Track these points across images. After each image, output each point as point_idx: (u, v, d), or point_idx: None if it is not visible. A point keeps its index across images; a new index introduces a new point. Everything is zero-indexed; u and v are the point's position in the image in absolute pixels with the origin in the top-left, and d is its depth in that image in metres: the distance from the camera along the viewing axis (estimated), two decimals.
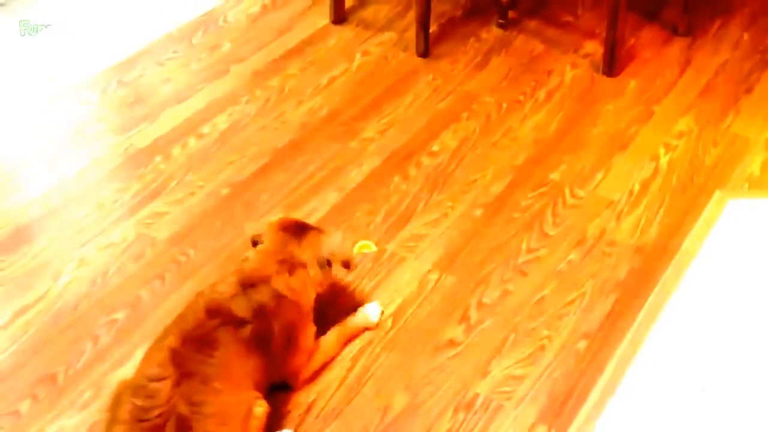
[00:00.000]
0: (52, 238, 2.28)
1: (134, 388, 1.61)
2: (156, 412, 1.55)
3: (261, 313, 1.76)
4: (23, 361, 1.96)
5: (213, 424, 1.59)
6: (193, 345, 1.66)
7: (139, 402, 1.57)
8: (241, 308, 1.74)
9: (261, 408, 1.71)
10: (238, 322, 1.72)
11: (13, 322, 2.05)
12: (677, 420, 1.83)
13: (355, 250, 2.10)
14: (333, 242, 1.94)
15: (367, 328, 2.02)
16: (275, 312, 1.78)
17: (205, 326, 1.70)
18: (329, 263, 1.92)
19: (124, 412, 1.57)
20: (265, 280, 1.81)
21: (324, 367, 1.93)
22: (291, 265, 1.85)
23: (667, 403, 1.86)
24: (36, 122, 2.70)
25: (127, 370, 1.91)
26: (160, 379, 1.59)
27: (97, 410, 1.84)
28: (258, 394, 1.73)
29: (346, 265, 1.96)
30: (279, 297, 1.80)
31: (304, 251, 1.88)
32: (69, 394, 1.89)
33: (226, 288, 1.78)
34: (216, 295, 1.77)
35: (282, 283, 1.82)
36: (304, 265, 1.87)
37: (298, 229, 1.92)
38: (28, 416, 1.85)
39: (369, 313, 2.03)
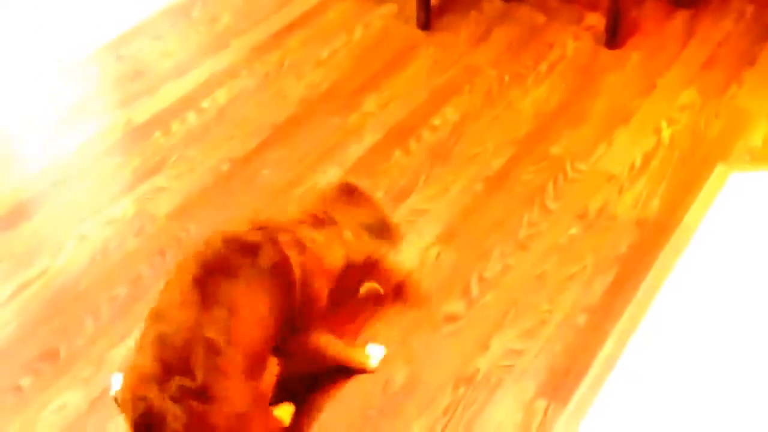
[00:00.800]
0: (52, 214, 2.27)
1: (157, 314, 1.57)
2: (182, 336, 1.51)
3: (277, 245, 1.69)
4: (24, 337, 1.97)
5: (240, 354, 1.54)
6: (214, 273, 1.60)
7: (163, 328, 1.53)
8: (257, 237, 1.68)
9: (275, 364, 1.68)
10: (256, 251, 1.65)
11: (13, 297, 2.05)
12: (677, 394, 1.83)
13: (362, 290, 2.03)
14: (380, 214, 1.89)
15: (363, 370, 1.88)
16: (297, 253, 1.71)
17: (224, 256, 1.64)
18: (373, 233, 1.86)
19: (149, 338, 1.53)
20: (287, 228, 1.75)
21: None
22: (320, 220, 1.80)
23: (666, 377, 1.86)
24: (35, 98, 2.68)
25: (129, 345, 1.92)
26: (184, 305, 1.55)
27: (98, 385, 1.85)
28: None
29: (389, 237, 1.89)
30: (299, 243, 1.73)
31: (344, 213, 1.84)
32: (70, 370, 1.89)
33: (244, 226, 1.74)
34: (234, 229, 1.73)
35: (304, 231, 1.76)
36: (336, 224, 1.81)
37: (346, 192, 1.89)
38: (30, 391, 1.85)
39: (371, 354, 1.90)
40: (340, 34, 2.91)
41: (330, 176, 2.37)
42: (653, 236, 2.19)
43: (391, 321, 1.99)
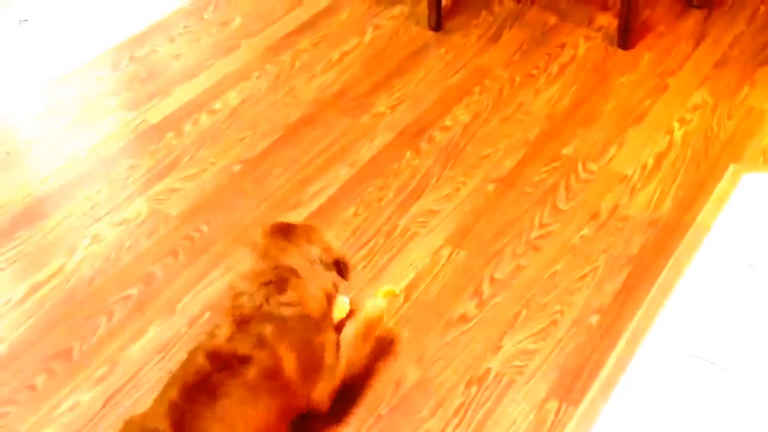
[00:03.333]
0: (66, 215, 2.29)
1: (130, 421, 1.56)
2: None
3: (263, 344, 1.61)
4: (38, 337, 1.98)
5: None
6: (192, 396, 1.53)
7: None
8: (241, 346, 1.60)
9: None
10: (240, 362, 1.58)
11: (28, 297, 2.06)
12: (689, 396, 1.83)
13: (380, 294, 1.90)
14: (325, 239, 1.80)
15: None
16: (280, 338, 1.62)
17: (205, 373, 1.56)
18: (328, 267, 1.77)
19: None
20: (259, 308, 1.65)
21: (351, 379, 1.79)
22: (280, 280, 1.69)
23: (679, 378, 1.86)
24: (48, 99, 2.70)
25: (142, 345, 1.93)
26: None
27: (111, 385, 1.86)
28: None
29: (340, 265, 1.80)
30: (280, 320, 1.64)
31: (292, 256, 1.73)
32: (84, 369, 1.90)
33: (223, 330, 1.63)
34: (215, 339, 1.62)
35: (275, 304, 1.66)
36: (295, 273, 1.70)
37: (283, 234, 1.77)
38: (44, 390, 1.86)
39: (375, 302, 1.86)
40: (351, 36, 2.91)
41: (342, 176, 2.38)
42: (665, 237, 2.18)
43: (403, 321, 1.99)
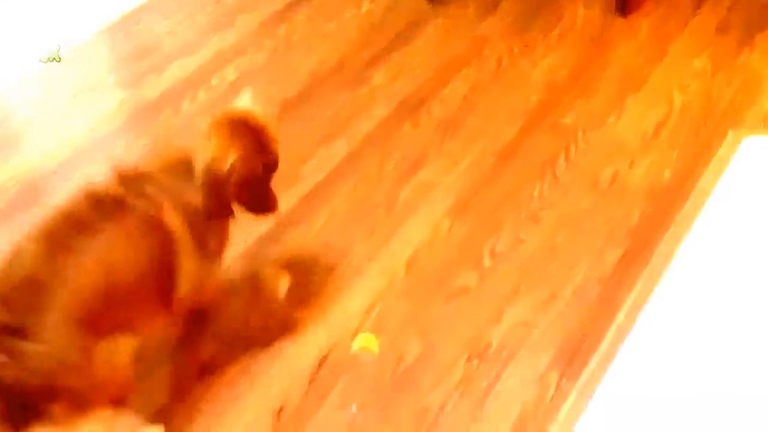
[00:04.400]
0: (64, 195, 2.27)
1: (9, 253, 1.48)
2: (20, 275, 1.44)
3: (147, 196, 1.55)
4: None
5: (80, 303, 1.44)
6: (70, 226, 1.50)
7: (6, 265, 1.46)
8: (127, 194, 1.55)
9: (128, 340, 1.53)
10: (121, 207, 1.53)
11: None
12: (690, 365, 1.83)
13: (355, 345, 1.87)
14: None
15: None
16: (167, 197, 1.56)
17: (85, 212, 1.53)
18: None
19: None
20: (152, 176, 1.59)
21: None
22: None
23: (680, 347, 1.86)
24: (44, 77, 2.68)
25: None
26: (33, 252, 1.46)
27: None
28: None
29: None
30: (175, 190, 1.58)
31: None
32: None
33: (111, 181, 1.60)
34: (97, 185, 1.59)
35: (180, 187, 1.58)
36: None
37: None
38: None
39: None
40: (347, 8, 2.89)
41: (340, 151, 2.37)
42: (666, 205, 2.18)
43: (403, 294, 2.00)
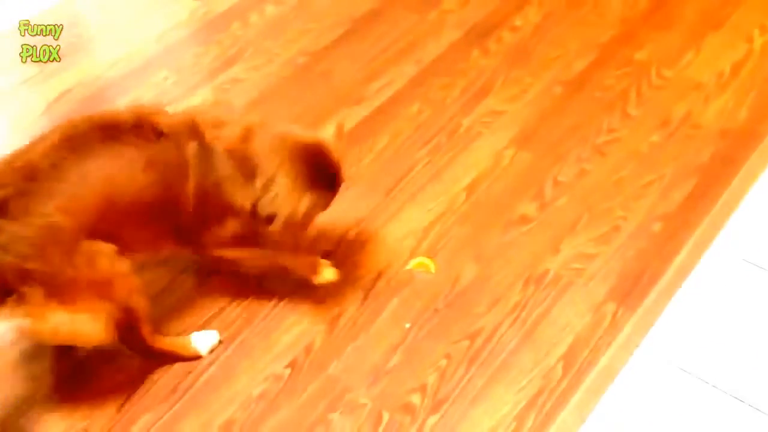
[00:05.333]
0: (133, 99, 2.31)
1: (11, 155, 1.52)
2: (22, 161, 1.48)
3: (173, 131, 1.58)
4: None
5: (64, 210, 1.47)
6: (96, 132, 1.53)
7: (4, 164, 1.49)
8: (160, 122, 1.58)
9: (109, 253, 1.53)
10: (140, 137, 1.56)
11: None
12: (752, 304, 1.80)
13: (410, 266, 1.88)
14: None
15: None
16: (200, 155, 1.59)
17: (119, 124, 1.56)
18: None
19: None
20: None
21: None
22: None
23: (742, 289, 1.83)
24: None
25: None
26: (47, 138, 1.52)
27: (179, 265, 1.90)
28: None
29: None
30: (208, 147, 1.61)
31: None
32: None
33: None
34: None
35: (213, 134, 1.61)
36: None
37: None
38: None
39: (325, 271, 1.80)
40: None
41: (407, 73, 2.35)
42: (738, 147, 2.12)
43: (462, 219, 1.99)
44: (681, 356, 1.71)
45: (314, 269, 1.80)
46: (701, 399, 1.65)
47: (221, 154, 1.61)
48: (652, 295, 1.83)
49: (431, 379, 1.70)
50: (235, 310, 1.82)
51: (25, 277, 1.44)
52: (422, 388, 1.69)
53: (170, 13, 2.57)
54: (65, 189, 1.50)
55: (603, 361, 1.72)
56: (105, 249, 1.53)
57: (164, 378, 1.71)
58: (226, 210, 1.65)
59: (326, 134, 1.70)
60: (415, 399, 1.67)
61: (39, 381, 1.71)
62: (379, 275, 1.88)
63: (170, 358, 1.73)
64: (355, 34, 2.47)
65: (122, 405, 1.68)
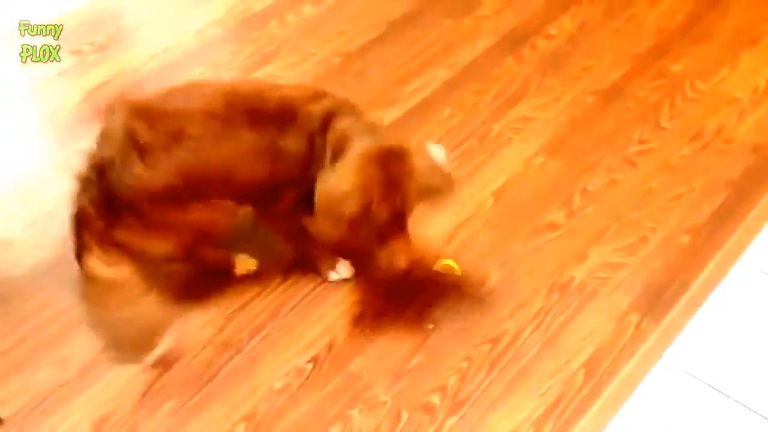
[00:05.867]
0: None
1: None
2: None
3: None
4: None
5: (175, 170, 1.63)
6: (218, 118, 1.65)
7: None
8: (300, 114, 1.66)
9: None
10: (276, 128, 1.65)
11: None
12: None
13: (436, 267, 1.89)
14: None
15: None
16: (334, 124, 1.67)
17: (240, 113, 1.66)
18: None
19: None
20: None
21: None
22: None
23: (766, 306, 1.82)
24: None
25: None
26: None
27: None
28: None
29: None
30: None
31: None
32: None
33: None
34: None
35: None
36: None
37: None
38: None
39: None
40: None
41: (440, 77, 2.36)
42: None
43: (489, 223, 2.00)
44: (704, 370, 1.70)
45: (332, 265, 1.85)
46: (723, 414, 1.64)
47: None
48: (677, 307, 1.82)
49: (452, 380, 1.71)
50: (261, 303, 1.84)
51: (133, 208, 1.65)
52: (442, 389, 1.70)
53: (209, 10, 2.60)
54: (195, 155, 1.64)
55: (625, 370, 1.72)
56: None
57: (188, 367, 1.74)
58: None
59: (422, 156, 1.62)
60: (435, 399, 1.68)
61: (64, 364, 1.74)
62: (404, 275, 1.89)
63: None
64: (390, 36, 2.48)
65: (145, 392, 1.70)
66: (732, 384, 1.68)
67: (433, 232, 1.98)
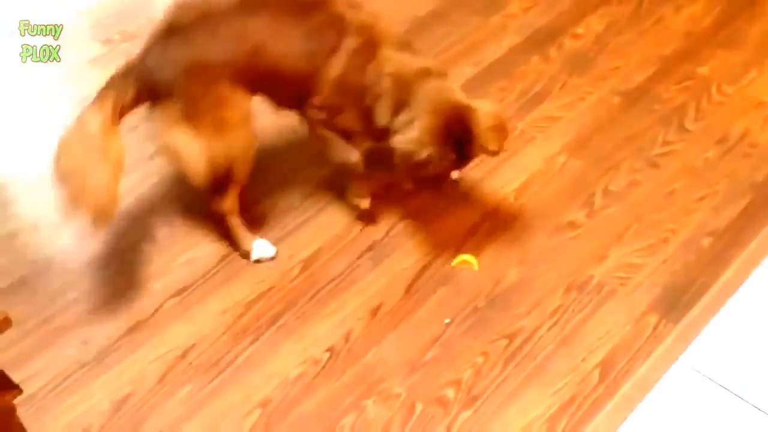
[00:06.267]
0: None
1: None
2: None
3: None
4: (164, 192, 2.09)
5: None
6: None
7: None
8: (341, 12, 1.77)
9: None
10: (309, 13, 1.75)
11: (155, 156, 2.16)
12: None
13: (455, 262, 1.91)
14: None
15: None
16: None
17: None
18: None
19: None
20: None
21: None
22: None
23: None
24: None
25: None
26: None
27: (227, 245, 1.95)
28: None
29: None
30: (373, 56, 1.78)
31: None
32: (203, 227, 1.99)
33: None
34: None
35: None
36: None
37: None
38: (165, 243, 1.98)
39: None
40: None
41: (466, 74, 2.37)
42: None
43: (510, 220, 2.00)
44: (720, 372, 1.70)
45: (360, 194, 1.95)
46: (737, 416, 1.63)
47: (386, 74, 1.76)
48: (696, 310, 1.81)
49: (467, 375, 1.72)
50: (280, 292, 1.86)
51: (172, 94, 1.70)
52: (457, 383, 1.71)
53: None
54: (227, 36, 1.72)
55: (641, 371, 1.72)
56: (240, 99, 1.75)
57: (207, 352, 1.76)
58: (355, 111, 1.80)
59: (486, 107, 1.79)
60: (450, 393, 1.69)
61: (87, 345, 1.77)
62: (423, 269, 1.90)
63: (229, 235, 1.93)
64: (416, 33, 2.48)
65: (164, 376, 1.73)
66: (748, 387, 1.67)
67: (454, 226, 1.99)
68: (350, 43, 1.76)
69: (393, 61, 1.77)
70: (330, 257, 1.93)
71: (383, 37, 1.79)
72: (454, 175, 2.02)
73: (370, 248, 1.94)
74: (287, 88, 1.82)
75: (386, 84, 1.75)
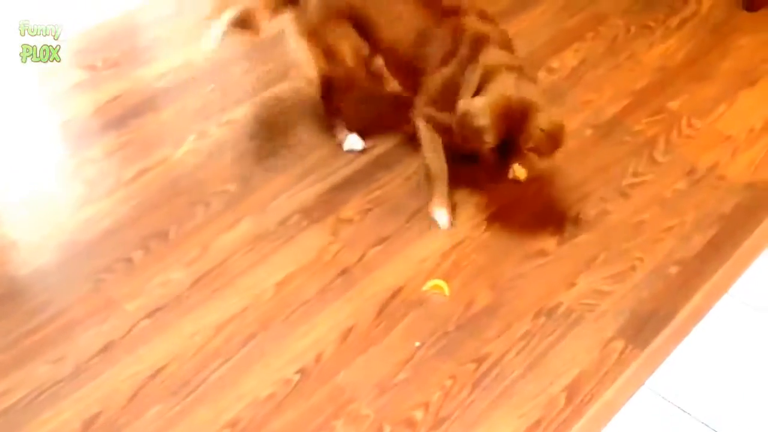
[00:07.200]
0: (178, 109, 2.41)
1: None
2: None
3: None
4: (140, 216, 2.11)
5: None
6: None
7: None
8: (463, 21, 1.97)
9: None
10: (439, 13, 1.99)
11: (135, 180, 2.20)
12: (760, 353, 1.81)
13: (426, 287, 1.94)
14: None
15: None
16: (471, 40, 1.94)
17: None
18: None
19: None
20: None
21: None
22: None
23: (752, 335, 1.84)
24: (176, 2, 2.81)
25: (233, 236, 2.05)
26: None
27: (202, 267, 1.98)
28: None
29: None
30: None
31: None
32: (177, 251, 2.02)
33: None
34: None
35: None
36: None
37: None
38: (140, 265, 2.00)
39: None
40: None
41: None
42: (761, 201, 2.14)
43: (481, 247, 2.04)
44: (684, 398, 1.72)
45: (442, 204, 2.10)
46: None
47: (480, 65, 1.90)
48: (661, 337, 1.85)
49: (435, 397, 1.74)
50: (254, 313, 1.89)
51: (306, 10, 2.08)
52: (425, 405, 1.72)
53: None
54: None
55: (606, 395, 1.74)
56: (354, 36, 2.09)
57: (178, 372, 1.78)
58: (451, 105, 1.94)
59: (551, 113, 1.91)
60: (418, 415, 1.71)
61: (61, 363, 1.78)
62: (394, 293, 1.93)
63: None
64: None
65: (135, 395, 1.74)
66: (710, 413, 1.69)
67: (427, 252, 2.02)
68: (463, 51, 1.94)
69: (490, 55, 1.91)
70: (303, 281, 1.95)
71: (491, 39, 1.94)
72: (519, 173, 2.15)
73: (342, 272, 1.97)
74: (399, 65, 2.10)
75: (477, 72, 1.89)
